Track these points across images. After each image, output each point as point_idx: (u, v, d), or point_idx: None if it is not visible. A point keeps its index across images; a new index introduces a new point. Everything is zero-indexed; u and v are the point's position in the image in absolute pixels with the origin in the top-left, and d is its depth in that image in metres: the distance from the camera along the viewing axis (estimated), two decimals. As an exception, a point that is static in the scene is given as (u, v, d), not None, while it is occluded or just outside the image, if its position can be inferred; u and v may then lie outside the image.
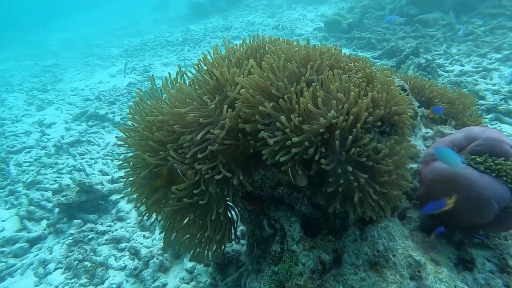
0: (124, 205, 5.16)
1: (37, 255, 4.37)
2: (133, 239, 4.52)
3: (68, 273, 4.01)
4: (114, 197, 5.27)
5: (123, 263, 4.18)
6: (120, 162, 2.25)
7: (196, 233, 2.02)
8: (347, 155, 1.47)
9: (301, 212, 1.85)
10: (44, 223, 4.94)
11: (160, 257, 4.10)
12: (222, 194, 1.81)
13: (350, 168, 1.45)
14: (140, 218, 2.18)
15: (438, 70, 7.11)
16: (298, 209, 1.84)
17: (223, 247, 2.09)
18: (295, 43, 1.89)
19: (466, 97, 2.75)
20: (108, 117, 8.12)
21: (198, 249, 2.04)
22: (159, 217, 2.16)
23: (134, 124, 2.26)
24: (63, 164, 6.53)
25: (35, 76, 13.19)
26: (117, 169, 6.15)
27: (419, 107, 2.62)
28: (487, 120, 5.48)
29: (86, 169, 6.25)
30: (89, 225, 4.75)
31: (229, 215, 2.05)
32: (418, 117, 2.40)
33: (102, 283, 3.91)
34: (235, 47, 2.15)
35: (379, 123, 1.57)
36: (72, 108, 9.30)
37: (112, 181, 5.62)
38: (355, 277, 1.69)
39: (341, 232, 1.82)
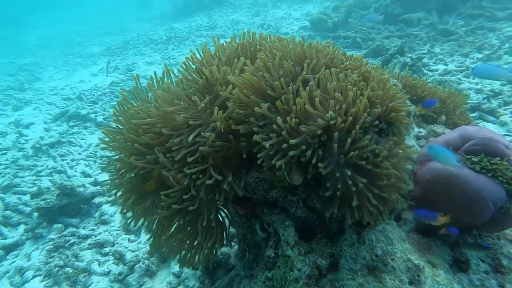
0: (107, 208, 5.00)
1: (14, 262, 4.17)
2: (117, 243, 4.37)
3: (48, 281, 3.84)
4: (97, 199, 5.11)
5: (107, 268, 4.04)
6: (105, 165, 2.14)
7: (186, 239, 1.93)
8: (346, 158, 1.41)
9: (296, 215, 1.78)
10: (21, 228, 4.72)
11: (146, 261, 3.98)
12: (213, 199, 1.73)
13: (349, 172, 1.39)
14: (126, 222, 2.07)
15: (423, 69, 7.17)
16: (293, 212, 1.77)
17: (214, 252, 2.01)
18: (290, 40, 1.82)
19: (456, 96, 2.74)
20: (90, 117, 7.90)
21: (189, 255, 1.95)
22: (147, 223, 2.06)
23: (119, 126, 2.15)
24: (42, 166, 6.29)
25: (10, 75, 12.72)
26: (100, 171, 5.98)
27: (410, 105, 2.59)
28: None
29: (68, 171, 6.04)
30: (71, 229, 4.58)
31: (220, 219, 1.96)
32: (411, 116, 2.37)
33: (85, 289, 3.77)
34: (224, 44, 2.06)
35: (376, 122, 1.51)
36: (51, 108, 9.01)
37: (95, 183, 5.45)
38: (353, 282, 1.64)
39: (337, 235, 1.76)
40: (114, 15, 22.40)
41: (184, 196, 1.73)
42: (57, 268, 3.93)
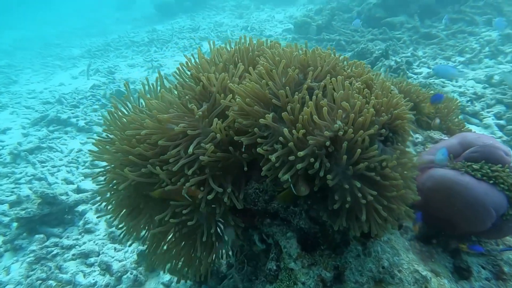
0: (91, 216, 4.83)
1: (-8, 276, 3.98)
2: (103, 253, 4.22)
3: (30, 295, 3.67)
4: (80, 207, 4.93)
5: (93, 279, 3.89)
6: (94, 175, 2.03)
7: (183, 253, 1.85)
8: (354, 169, 1.37)
9: (299, 227, 1.72)
10: (-1, 239, 4.52)
11: (134, 271, 3.85)
12: (213, 212, 1.66)
13: (358, 184, 1.34)
14: (120, 236, 1.97)
15: (407, 72, 7.27)
16: (296, 224, 1.71)
17: (212, 265, 1.94)
18: (297, 46, 1.76)
19: (449, 101, 2.75)
20: (71, 122, 7.65)
21: (186, 269, 1.87)
22: (141, 236, 1.96)
23: (109, 135, 2.05)
24: (21, 173, 6.04)
25: (-16, 78, 12.26)
26: (82, 178, 5.78)
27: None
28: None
29: (48, 178, 5.82)
30: (53, 239, 4.40)
31: (219, 232, 1.89)
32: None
33: (70, 303, 3.61)
34: (220, 49, 1.99)
35: (383, 131, 1.47)
36: (30, 112, 8.69)
37: (78, 191, 5.26)
38: (359, 295, 1.59)
39: (340, 247, 1.71)
40: (93, 16, 21.90)
41: (184, 211, 1.65)
42: (39, 281, 3.76)
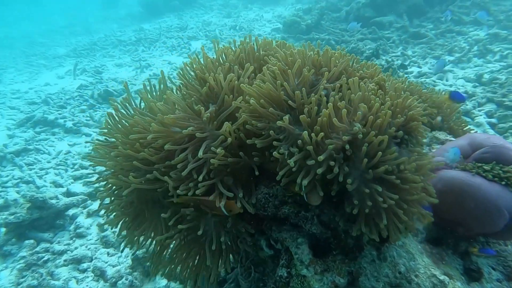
0: (83, 220, 4.70)
1: (-20, 285, 3.83)
2: (96, 258, 4.11)
3: (22, 303, 3.54)
4: (71, 211, 4.79)
5: (87, 286, 3.78)
6: (93, 181, 1.95)
7: (189, 261, 1.78)
8: (374, 173, 1.32)
9: (310, 232, 1.67)
10: (-13, 246, 4.35)
11: (130, 277, 3.76)
12: (222, 220, 1.60)
13: (379, 188, 1.30)
14: (123, 245, 1.89)
15: (398, 71, 7.31)
16: (308, 229, 1.66)
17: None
18: (310, 46, 1.71)
19: (451, 101, 2.73)
20: (59, 123, 7.45)
21: (194, 278, 1.80)
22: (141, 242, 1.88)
23: (108, 139, 1.96)
24: (7, 176, 5.85)
25: (-35, 77, 11.88)
26: (72, 180, 5.62)
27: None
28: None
29: (36, 181, 5.65)
30: (44, 245, 4.26)
31: (228, 240, 1.82)
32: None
33: (64, 311, 3.50)
34: (225, 49, 1.92)
35: (399, 133, 1.43)
36: (15, 113, 8.44)
37: (68, 194, 5.12)
38: (375, 301, 1.55)
39: (354, 251, 1.67)
40: (78, 15, 21.43)
41: (188, 217, 1.58)
42: (30, 289, 3.63)
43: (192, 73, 1.88)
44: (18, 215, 4.29)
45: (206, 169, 1.57)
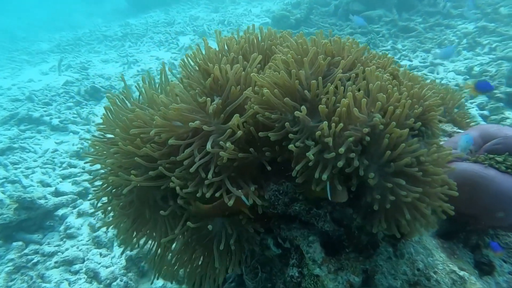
0: (73, 220, 4.55)
1: (-33, 290, 3.66)
2: (88, 259, 3.98)
3: (11, 308, 3.40)
4: (60, 211, 4.63)
5: (80, 288, 3.65)
6: (91, 181, 1.84)
7: (193, 262, 1.69)
8: (395, 166, 1.26)
9: (323, 230, 1.60)
10: (-27, 249, 4.17)
11: (124, 278, 3.64)
12: (236, 219, 1.52)
13: (402, 182, 1.24)
14: (123, 249, 1.79)
15: (390, 65, 7.30)
16: (320, 227, 1.59)
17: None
18: (322, 33, 1.63)
19: (453, 93, 2.70)
20: (44, 120, 7.22)
21: (199, 279, 1.72)
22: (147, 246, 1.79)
23: (104, 134, 1.86)
24: (-8, 176, 5.64)
25: None
26: (60, 179, 5.44)
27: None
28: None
29: (22, 180, 5.45)
30: (33, 246, 4.11)
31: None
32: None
33: (56, 315, 3.37)
34: (228, 39, 1.83)
35: (418, 124, 1.37)
36: (-3, 110, 8.16)
37: (57, 194, 4.95)
38: (393, 300, 1.50)
39: (368, 249, 1.61)
40: (61, 9, 20.85)
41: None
42: (20, 293, 3.49)
43: (193, 64, 1.78)
44: (5, 216, 4.12)
45: (214, 165, 1.48)
